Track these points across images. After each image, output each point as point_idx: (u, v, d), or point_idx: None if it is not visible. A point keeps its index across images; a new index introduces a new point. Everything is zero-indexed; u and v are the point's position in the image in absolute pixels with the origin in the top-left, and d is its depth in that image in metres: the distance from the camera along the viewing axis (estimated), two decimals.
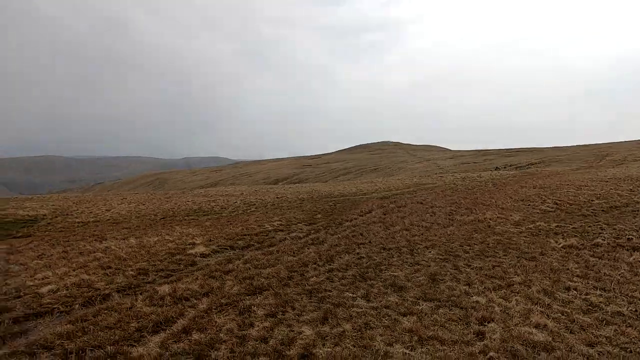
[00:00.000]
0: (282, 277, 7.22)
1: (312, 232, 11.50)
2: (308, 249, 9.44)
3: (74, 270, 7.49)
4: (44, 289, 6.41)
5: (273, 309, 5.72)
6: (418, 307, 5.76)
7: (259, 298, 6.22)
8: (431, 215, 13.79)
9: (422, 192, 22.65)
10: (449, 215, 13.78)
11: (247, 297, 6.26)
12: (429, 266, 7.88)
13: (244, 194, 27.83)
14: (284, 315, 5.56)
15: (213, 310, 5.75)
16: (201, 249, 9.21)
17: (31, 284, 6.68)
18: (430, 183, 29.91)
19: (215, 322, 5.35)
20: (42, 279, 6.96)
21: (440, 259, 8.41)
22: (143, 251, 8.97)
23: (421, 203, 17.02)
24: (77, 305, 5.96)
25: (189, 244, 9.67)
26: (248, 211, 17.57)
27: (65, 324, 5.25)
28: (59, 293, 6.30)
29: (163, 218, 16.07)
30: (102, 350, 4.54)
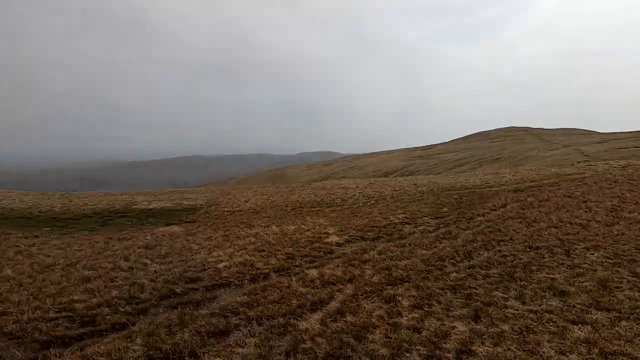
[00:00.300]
0: (419, 270, 7.22)
1: (442, 226, 11.09)
2: (441, 243, 9.17)
3: (237, 252, 8.94)
4: (221, 265, 7.85)
5: (418, 301, 5.79)
6: (590, 316, 5.06)
7: (400, 289, 6.37)
8: (586, 212, 11.75)
9: (567, 183, 19.39)
10: (612, 211, 11.50)
11: (389, 287, 6.47)
12: (595, 270, 6.79)
13: (359, 187, 28.47)
14: (430, 308, 5.57)
15: (359, 296, 6.14)
16: (335, 238, 9.88)
17: (211, 260, 8.26)
18: (576, 173, 25.35)
19: (364, 307, 5.71)
20: (217, 257, 8.53)
21: (610, 263, 7.15)
22: (286, 238, 10.11)
23: (569, 197, 14.62)
24: (246, 281, 7.12)
25: (323, 234, 10.47)
26: (368, 204, 17.95)
27: (242, 296, 6.33)
28: (231, 269, 7.63)
29: (293, 209, 17.71)
30: (274, 321, 5.35)
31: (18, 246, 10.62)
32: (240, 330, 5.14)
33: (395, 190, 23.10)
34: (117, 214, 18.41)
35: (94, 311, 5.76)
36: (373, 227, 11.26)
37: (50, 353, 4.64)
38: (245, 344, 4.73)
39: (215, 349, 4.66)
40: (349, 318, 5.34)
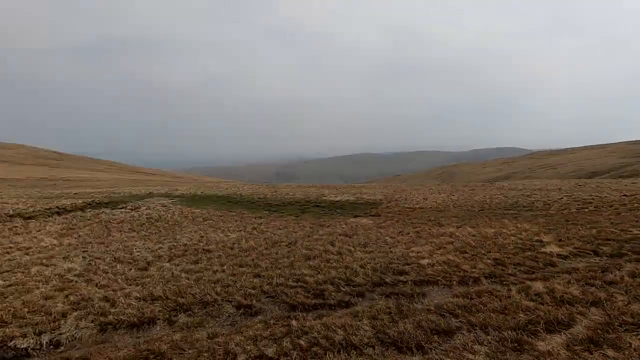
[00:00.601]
0: None
1: None
2: None
3: (436, 250, 8.70)
4: (423, 262, 7.78)
5: None
6: None
7: None
8: None
9: None
10: None
11: None
12: None
13: (563, 189, 23.40)
14: None
15: (616, 327, 4.84)
16: (555, 248, 8.27)
17: (412, 255, 8.32)
18: None
19: (629, 343, 4.45)
20: (417, 252, 8.53)
21: None
22: (489, 242, 9.17)
23: None
24: (455, 282, 6.76)
25: (535, 241, 8.96)
26: (585, 210, 14.43)
27: (454, 297, 6.02)
28: (435, 267, 7.44)
29: (481, 210, 16.09)
30: (503, 333, 4.80)
31: (252, 224, 13.58)
32: (463, 334, 4.86)
33: (624, 194, 17.78)
34: (311, 203, 21.22)
35: (322, 286, 6.64)
36: (607, 240, 8.87)
37: (298, 315, 5.59)
38: (475, 351, 4.41)
39: (442, 348, 4.54)
40: (610, 353, 4.25)
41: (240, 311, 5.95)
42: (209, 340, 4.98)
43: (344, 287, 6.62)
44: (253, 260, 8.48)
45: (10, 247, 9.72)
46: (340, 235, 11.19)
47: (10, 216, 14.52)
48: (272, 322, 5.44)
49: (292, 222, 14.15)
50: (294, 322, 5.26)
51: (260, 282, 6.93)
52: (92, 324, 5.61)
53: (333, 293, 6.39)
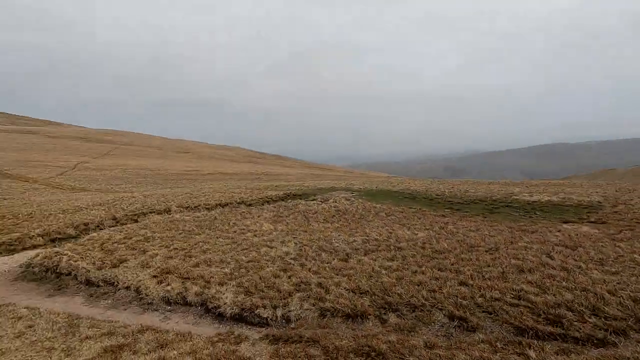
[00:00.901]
0: None
1: None
2: None
3: None
4: None
5: None
6: None
7: None
8: None
9: None
10: None
11: None
12: None
13: None
14: None
15: None
16: None
17: None
18: None
19: None
20: None
21: None
22: None
23: None
24: None
25: None
26: None
27: None
28: None
29: None
30: None
31: (437, 223, 12.78)
32: None
33: None
34: (500, 203, 18.53)
35: (556, 311, 5.37)
36: None
37: (532, 343, 4.63)
38: None
39: None
40: None
41: (454, 323, 5.43)
42: (427, 350, 4.69)
43: (590, 318, 5.15)
44: (452, 264, 7.79)
45: (243, 229, 12.29)
46: (556, 245, 9.10)
47: (238, 203, 18.58)
48: (499, 345, 4.68)
49: (483, 224, 12.58)
50: (531, 353, 4.36)
51: (470, 293, 6.21)
52: (313, 307, 6.24)
53: (576, 323, 5.05)
